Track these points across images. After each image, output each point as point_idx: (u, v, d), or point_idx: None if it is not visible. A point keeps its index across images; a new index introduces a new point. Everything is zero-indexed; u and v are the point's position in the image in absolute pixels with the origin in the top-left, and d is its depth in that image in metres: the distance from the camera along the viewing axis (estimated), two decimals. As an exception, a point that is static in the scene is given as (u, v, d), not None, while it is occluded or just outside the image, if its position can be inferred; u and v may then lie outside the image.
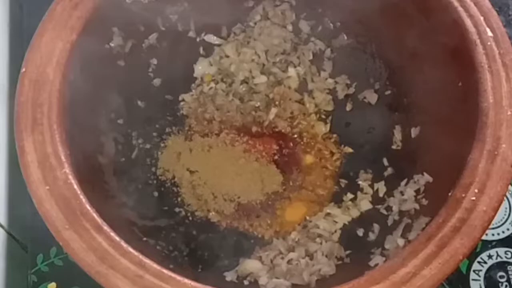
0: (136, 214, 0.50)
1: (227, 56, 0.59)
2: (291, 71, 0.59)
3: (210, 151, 0.55)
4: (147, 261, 0.36)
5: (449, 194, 0.39)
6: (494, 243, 0.54)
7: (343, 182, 0.55)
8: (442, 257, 0.36)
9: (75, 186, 0.38)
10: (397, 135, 0.54)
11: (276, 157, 0.56)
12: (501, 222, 0.55)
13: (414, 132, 0.52)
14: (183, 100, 0.58)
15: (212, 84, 0.59)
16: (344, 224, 0.52)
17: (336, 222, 0.52)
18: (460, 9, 0.44)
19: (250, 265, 0.49)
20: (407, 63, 0.52)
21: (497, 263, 0.53)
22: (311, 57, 0.60)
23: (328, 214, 0.53)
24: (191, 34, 0.58)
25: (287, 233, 0.53)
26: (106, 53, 0.50)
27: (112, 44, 0.50)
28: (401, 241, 0.44)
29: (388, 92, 0.56)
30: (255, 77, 0.59)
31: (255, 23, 0.59)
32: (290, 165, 0.56)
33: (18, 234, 0.54)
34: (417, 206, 0.46)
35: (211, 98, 0.58)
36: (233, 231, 0.53)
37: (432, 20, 0.47)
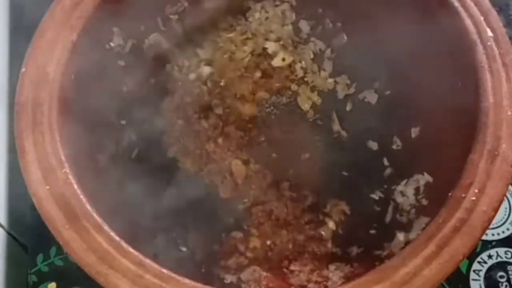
0: (137, 214, 0.50)
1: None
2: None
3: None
4: (147, 261, 0.36)
5: (449, 194, 0.39)
6: (494, 243, 0.54)
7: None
8: (442, 257, 0.36)
9: (75, 186, 0.38)
10: (397, 135, 0.54)
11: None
12: (501, 222, 0.55)
13: (414, 132, 0.52)
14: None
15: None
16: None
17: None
18: (460, 9, 0.44)
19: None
20: (407, 63, 0.52)
21: (497, 263, 0.53)
22: (311, 57, 0.60)
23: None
24: (191, 34, 0.58)
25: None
26: (106, 53, 0.50)
27: (112, 44, 0.50)
28: (401, 241, 0.44)
29: (388, 92, 0.56)
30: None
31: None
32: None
33: (18, 234, 0.54)
34: (417, 206, 0.46)
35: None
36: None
37: (432, 20, 0.47)
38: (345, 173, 0.55)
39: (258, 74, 0.58)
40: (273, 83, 0.59)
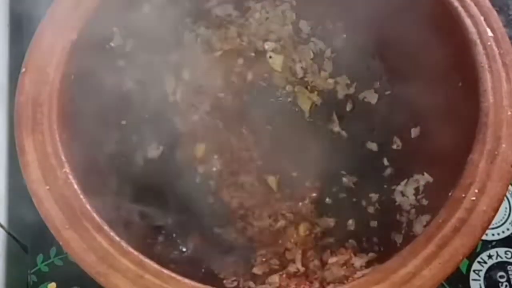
0: (137, 214, 0.50)
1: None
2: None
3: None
4: (147, 261, 0.36)
5: (449, 194, 0.39)
6: (494, 243, 0.54)
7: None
8: (442, 257, 0.36)
9: (75, 186, 0.38)
10: (397, 135, 0.54)
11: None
12: (501, 222, 0.55)
13: (414, 132, 0.52)
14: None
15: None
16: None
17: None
18: (460, 9, 0.44)
19: None
20: (407, 63, 0.52)
21: (497, 263, 0.53)
22: (311, 57, 0.60)
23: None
24: (191, 34, 0.58)
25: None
26: (106, 53, 0.50)
27: (112, 44, 0.50)
28: (400, 241, 0.44)
29: (388, 92, 0.56)
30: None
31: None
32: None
33: (18, 234, 0.54)
34: (417, 206, 0.46)
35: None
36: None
37: (432, 20, 0.47)
38: (344, 173, 0.56)
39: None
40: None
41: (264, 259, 0.50)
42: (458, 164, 0.40)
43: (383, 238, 0.48)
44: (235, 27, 0.58)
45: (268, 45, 0.59)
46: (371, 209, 0.53)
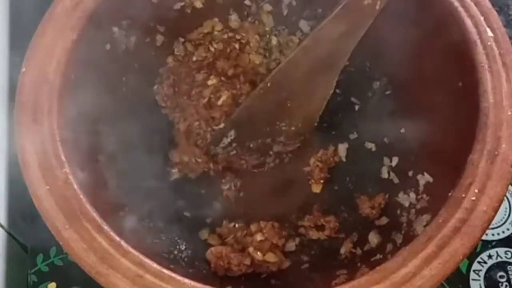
0: (137, 214, 0.50)
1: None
2: None
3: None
4: (147, 261, 0.36)
5: (449, 194, 0.39)
6: (494, 243, 0.54)
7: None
8: (442, 257, 0.36)
9: (75, 186, 0.38)
10: (397, 135, 0.54)
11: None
12: (501, 222, 0.55)
13: (413, 132, 0.52)
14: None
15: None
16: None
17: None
18: (460, 9, 0.44)
19: None
20: (407, 63, 0.52)
21: (497, 263, 0.53)
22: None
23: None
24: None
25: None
26: (106, 53, 0.50)
27: (112, 44, 0.50)
28: (401, 241, 0.44)
29: (388, 92, 0.56)
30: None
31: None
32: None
33: (18, 234, 0.54)
34: (417, 206, 0.46)
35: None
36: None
37: (432, 20, 0.47)
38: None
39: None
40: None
41: None
42: (458, 164, 0.40)
43: (383, 238, 0.48)
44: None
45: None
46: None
